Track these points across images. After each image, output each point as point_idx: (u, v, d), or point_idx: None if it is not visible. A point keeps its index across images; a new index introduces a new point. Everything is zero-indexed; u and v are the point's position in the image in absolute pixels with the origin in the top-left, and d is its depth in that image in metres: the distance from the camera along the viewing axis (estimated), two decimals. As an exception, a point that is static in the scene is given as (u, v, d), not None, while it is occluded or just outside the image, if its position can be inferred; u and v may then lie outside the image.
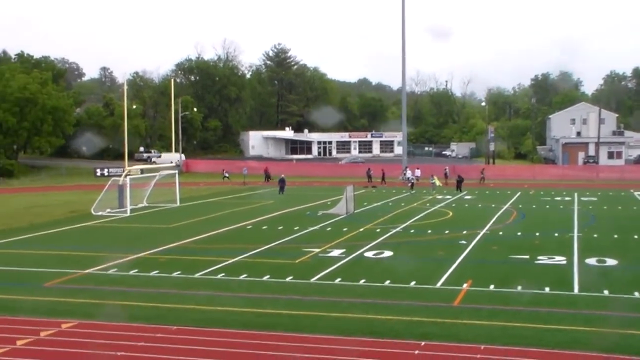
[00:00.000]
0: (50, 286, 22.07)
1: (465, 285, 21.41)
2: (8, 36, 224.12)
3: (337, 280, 22.43)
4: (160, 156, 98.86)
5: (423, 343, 15.59)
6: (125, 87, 59.30)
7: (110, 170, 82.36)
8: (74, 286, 22.02)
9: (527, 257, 26.62)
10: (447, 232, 34.19)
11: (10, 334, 16.45)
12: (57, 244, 31.19)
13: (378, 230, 34.74)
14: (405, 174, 73.04)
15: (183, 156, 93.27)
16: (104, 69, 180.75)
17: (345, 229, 34.83)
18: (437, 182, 58.85)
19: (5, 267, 25.44)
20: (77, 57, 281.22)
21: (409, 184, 60.96)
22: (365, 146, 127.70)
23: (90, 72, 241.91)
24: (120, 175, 46.76)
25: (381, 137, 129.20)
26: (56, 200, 53.08)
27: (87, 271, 24.33)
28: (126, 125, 48.30)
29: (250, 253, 27.87)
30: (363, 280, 22.26)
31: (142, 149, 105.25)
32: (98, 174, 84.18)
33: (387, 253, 27.81)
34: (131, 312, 18.52)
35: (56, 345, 15.69)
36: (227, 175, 76.56)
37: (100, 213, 42.57)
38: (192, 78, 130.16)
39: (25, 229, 36.47)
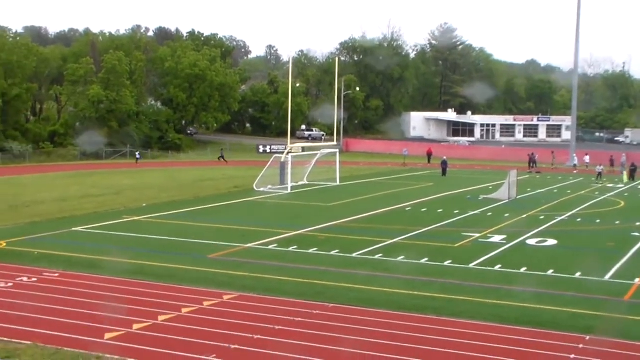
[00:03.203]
0: (214, 258, 22.83)
1: (637, 280, 20.13)
2: (181, 15, 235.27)
3: (497, 267, 21.78)
4: (324, 134, 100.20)
5: (588, 337, 14.82)
6: (291, 65, 60.27)
7: (273, 147, 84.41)
8: (236, 259, 22.66)
9: None
10: (617, 222, 32.37)
11: (176, 302, 17.14)
12: (221, 218, 32.28)
13: (542, 217, 33.45)
14: (575, 160, 70.24)
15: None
16: (269, 47, 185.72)
17: (506, 215, 33.80)
18: (625, 178, 55.38)
19: (173, 238, 26.57)
20: (245, 35, 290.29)
21: (596, 173, 57.27)
22: (531, 130, 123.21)
23: (257, 50, 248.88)
24: (282, 153, 47.67)
25: (548, 121, 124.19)
26: (220, 175, 55.01)
27: (248, 245, 24.97)
28: (290, 103, 49.19)
29: (409, 235, 27.63)
30: (524, 269, 21.49)
31: (303, 127, 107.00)
32: (261, 150, 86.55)
33: (551, 241, 26.69)
34: (289, 288, 18.80)
35: (218, 315, 16.16)
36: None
37: (262, 189, 43.64)
38: (356, 57, 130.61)
39: (191, 202, 38.04)
